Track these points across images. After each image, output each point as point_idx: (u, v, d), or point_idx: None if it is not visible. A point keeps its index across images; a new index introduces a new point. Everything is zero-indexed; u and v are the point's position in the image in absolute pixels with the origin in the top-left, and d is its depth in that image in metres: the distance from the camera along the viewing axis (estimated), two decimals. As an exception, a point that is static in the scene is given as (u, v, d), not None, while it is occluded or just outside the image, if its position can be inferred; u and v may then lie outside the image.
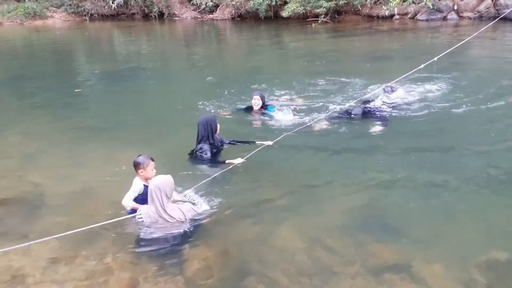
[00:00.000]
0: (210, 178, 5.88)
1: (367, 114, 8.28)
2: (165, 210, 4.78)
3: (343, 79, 11.23)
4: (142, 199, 5.10)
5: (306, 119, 8.22)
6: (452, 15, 21.94)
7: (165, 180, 4.78)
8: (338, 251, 4.63)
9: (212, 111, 9.07)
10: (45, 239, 4.67)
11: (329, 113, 8.36)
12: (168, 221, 4.82)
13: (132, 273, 4.42)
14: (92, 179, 6.48)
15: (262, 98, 8.60)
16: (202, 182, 5.71)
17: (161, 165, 5.56)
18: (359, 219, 5.22)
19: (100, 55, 19.17)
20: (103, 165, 6.98)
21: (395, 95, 9.01)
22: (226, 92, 10.57)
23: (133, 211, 5.06)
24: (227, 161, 6.43)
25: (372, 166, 6.44)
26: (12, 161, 7.32)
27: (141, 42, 22.24)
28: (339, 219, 5.22)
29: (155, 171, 5.18)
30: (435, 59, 8.31)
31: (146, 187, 5.08)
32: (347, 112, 8.35)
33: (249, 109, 8.77)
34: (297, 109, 8.86)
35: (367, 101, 8.87)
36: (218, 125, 6.79)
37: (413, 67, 8.78)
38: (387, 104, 8.63)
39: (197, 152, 6.66)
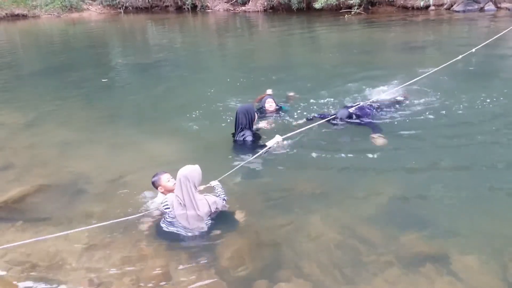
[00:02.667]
0: (245, 162, 6.00)
1: (353, 118, 7.47)
2: (195, 200, 4.75)
3: (374, 72, 11.08)
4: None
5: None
6: (490, 6, 21.37)
7: (194, 170, 4.75)
8: (371, 242, 4.60)
9: (249, 100, 9.11)
10: (80, 229, 4.84)
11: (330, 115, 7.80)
12: (195, 211, 4.78)
13: (166, 261, 4.49)
14: (127, 168, 6.61)
15: (274, 100, 8.37)
16: (238, 166, 5.79)
17: (192, 153, 5.65)
18: (392, 210, 5.17)
19: (133, 47, 19.47)
20: (138, 155, 7.12)
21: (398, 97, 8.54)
22: (255, 84, 10.66)
23: None
24: (267, 143, 6.48)
25: (405, 159, 6.35)
26: (51, 150, 7.56)
27: (174, 34, 22.46)
28: (373, 210, 5.18)
29: (172, 180, 5.17)
30: (473, 50, 8.08)
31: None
32: (332, 114, 7.65)
33: (261, 111, 8.25)
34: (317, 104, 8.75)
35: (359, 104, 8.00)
36: (256, 114, 6.93)
37: (447, 59, 8.58)
38: (385, 106, 8.09)
39: (238, 139, 6.79)
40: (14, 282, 4.29)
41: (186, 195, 4.72)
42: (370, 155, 6.51)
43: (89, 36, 22.67)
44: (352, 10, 23.33)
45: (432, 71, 8.13)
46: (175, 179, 4.83)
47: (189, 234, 4.79)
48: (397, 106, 8.22)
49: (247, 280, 4.19)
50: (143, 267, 4.43)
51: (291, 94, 9.56)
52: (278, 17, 25.29)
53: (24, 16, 32.18)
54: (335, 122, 7.37)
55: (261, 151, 6.23)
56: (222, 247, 4.63)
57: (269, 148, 6.39)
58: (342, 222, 5.00)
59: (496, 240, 4.56)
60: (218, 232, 4.85)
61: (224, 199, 5.09)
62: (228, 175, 5.57)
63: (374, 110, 7.83)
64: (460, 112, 7.93)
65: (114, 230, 4.99)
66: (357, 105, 7.70)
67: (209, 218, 4.89)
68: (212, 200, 4.91)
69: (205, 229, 4.83)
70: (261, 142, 6.76)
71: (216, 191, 5.22)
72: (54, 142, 7.92)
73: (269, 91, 9.29)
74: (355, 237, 4.71)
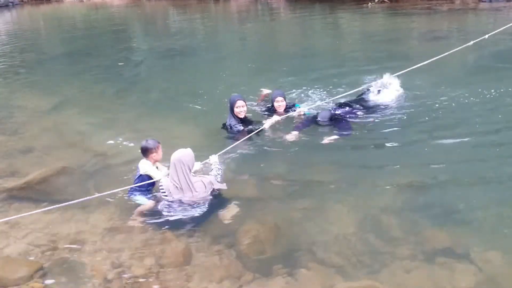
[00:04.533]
0: (239, 142, 6.06)
1: (336, 120, 7.10)
2: (191, 182, 4.86)
3: (392, 62, 10.74)
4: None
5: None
6: (518, -4, 20.85)
7: (186, 153, 4.87)
8: (390, 232, 4.56)
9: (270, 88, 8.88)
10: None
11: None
12: (192, 193, 4.90)
13: (187, 244, 4.53)
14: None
15: (285, 98, 7.36)
16: (229, 147, 5.85)
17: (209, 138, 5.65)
18: (413, 200, 5.11)
19: (153, 32, 19.60)
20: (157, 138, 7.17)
21: (383, 94, 8.05)
22: (270, 71, 10.72)
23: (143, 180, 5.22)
24: (264, 123, 6.63)
25: (425, 151, 6.25)
26: (72, 133, 7.69)
27: (194, 20, 22.44)
28: (392, 199, 5.13)
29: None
30: (486, 36, 7.86)
31: None
32: (314, 117, 7.25)
33: (270, 111, 7.49)
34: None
35: (342, 104, 7.59)
36: (241, 103, 6.75)
37: (468, 51, 8.36)
38: (367, 107, 7.62)
39: (228, 129, 6.87)
40: (37, 262, 4.36)
41: (182, 178, 4.85)
42: (391, 146, 6.44)
43: (111, 21, 22.78)
44: (376, -2, 23.02)
45: (438, 57, 7.79)
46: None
47: (198, 214, 4.85)
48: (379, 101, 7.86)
49: (266, 265, 4.21)
50: (164, 249, 4.48)
51: (266, 92, 8.48)
52: (300, 5, 25.05)
53: (48, 1, 32.47)
54: (318, 121, 7.17)
55: (256, 130, 6.37)
56: (242, 233, 4.64)
57: (263, 128, 6.54)
58: (361, 211, 4.97)
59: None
60: (237, 218, 4.89)
61: (216, 175, 5.17)
62: (247, 163, 5.63)
63: (360, 112, 7.44)
64: (481, 100, 7.75)
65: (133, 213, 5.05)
66: (344, 105, 7.51)
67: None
68: (207, 181, 5.02)
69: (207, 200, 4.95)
70: (251, 127, 6.72)
71: (212, 167, 5.31)
72: (74, 125, 8.05)
73: (265, 91, 8.46)
74: (374, 227, 4.68)
